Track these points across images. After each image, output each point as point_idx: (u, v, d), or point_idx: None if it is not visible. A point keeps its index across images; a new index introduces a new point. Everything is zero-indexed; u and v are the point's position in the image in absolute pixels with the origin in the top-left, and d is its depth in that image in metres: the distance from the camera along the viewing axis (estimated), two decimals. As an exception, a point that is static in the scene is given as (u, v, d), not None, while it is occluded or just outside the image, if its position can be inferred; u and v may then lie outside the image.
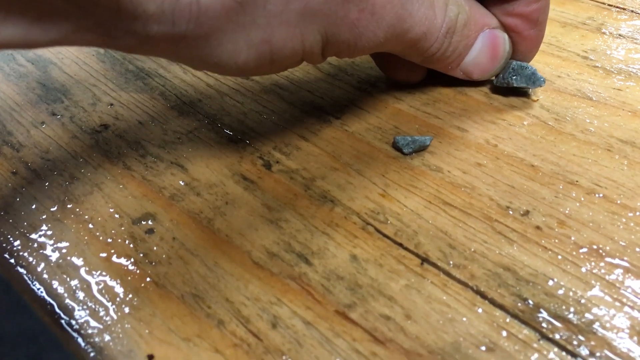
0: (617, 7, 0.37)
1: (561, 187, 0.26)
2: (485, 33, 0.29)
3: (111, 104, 0.33)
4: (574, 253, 0.23)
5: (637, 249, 0.23)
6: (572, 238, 0.24)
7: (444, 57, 0.29)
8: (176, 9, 0.21)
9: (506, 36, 0.30)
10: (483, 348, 0.20)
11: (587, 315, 0.21)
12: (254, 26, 0.23)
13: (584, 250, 0.23)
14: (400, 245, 0.24)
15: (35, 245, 0.25)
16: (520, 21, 0.29)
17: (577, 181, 0.26)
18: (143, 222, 0.26)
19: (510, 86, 0.30)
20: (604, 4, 0.38)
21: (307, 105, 0.32)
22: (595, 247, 0.23)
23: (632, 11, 0.37)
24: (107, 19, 0.20)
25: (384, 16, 0.25)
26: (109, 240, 0.25)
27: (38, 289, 0.23)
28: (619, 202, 0.25)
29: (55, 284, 0.24)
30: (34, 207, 0.27)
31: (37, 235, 0.26)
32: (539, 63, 0.33)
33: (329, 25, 0.24)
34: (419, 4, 0.26)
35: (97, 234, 0.26)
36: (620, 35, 0.35)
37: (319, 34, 0.24)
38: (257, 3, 0.22)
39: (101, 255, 0.25)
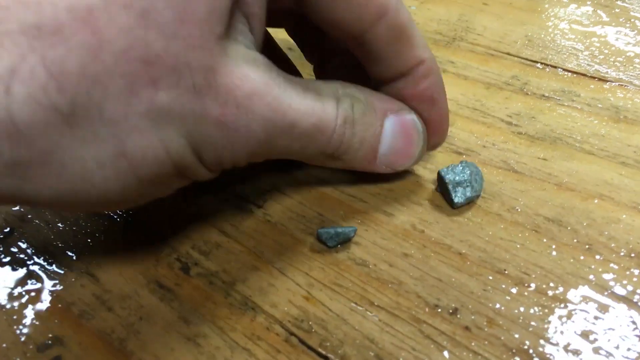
0: (541, 62, 0.37)
1: (490, 277, 0.25)
2: (390, 118, 0.27)
3: (17, 203, 0.31)
4: (504, 356, 0.22)
5: (570, 348, 0.22)
6: (502, 338, 0.23)
7: (353, 151, 0.26)
8: None
9: (415, 116, 0.27)
10: None
11: None
12: (98, 139, 0.19)
13: (514, 352, 0.22)
14: (326, 358, 0.23)
15: None
16: (415, 103, 0.27)
17: (505, 270, 0.25)
18: (48, 350, 0.24)
19: (460, 205, 0.28)
20: (527, 60, 0.37)
21: (227, 193, 0.31)
22: (525, 347, 0.22)
23: (554, 66, 0.37)
24: None
25: (253, 108, 0.22)
26: (11, 374, 0.23)
27: None
28: (549, 293, 0.24)
29: None
30: None
31: None
32: (464, 131, 0.32)
33: (189, 125, 0.21)
34: (300, 97, 0.23)
35: (-1, 364, 0.23)
36: (543, 95, 0.34)
37: (183, 137, 0.21)
38: (90, 112, 0.19)
39: (1, 393, 0.22)
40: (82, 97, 0.19)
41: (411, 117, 0.27)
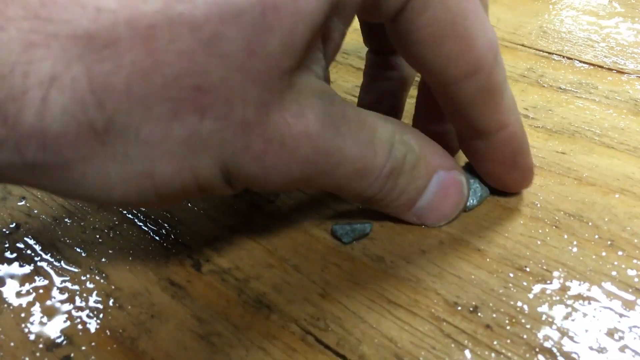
0: (557, 54, 0.36)
1: (510, 274, 0.24)
2: (439, 175, 0.25)
3: (23, 198, 0.30)
4: (527, 355, 0.22)
5: (595, 346, 0.22)
6: (525, 337, 0.22)
7: (390, 199, 0.24)
8: (19, 136, 0.17)
9: (464, 179, 0.26)
10: None
11: None
12: (128, 159, 0.18)
13: (537, 350, 0.22)
14: (344, 357, 0.22)
15: None
16: (493, 165, 0.26)
17: (526, 267, 0.24)
18: (58, 349, 0.23)
19: (472, 207, 0.27)
20: (542, 51, 0.37)
21: (238, 188, 0.30)
22: (549, 346, 0.22)
23: (570, 58, 0.36)
24: None
25: (299, 150, 0.20)
26: (20, 374, 0.22)
27: None
28: (572, 291, 0.23)
29: None
30: None
31: (-63, 373, 0.23)
32: (480, 124, 0.32)
33: (227, 156, 0.20)
34: (353, 139, 0.22)
35: (7, 363, 0.23)
36: (560, 88, 0.34)
37: (217, 166, 0.20)
38: (126, 132, 0.18)
39: (10, 394, 0.22)
40: (121, 117, 0.17)
41: (460, 179, 0.26)
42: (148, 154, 0.18)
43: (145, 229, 0.28)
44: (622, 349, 0.22)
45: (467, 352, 0.22)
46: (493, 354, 0.22)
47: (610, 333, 0.22)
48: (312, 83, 0.20)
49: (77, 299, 0.25)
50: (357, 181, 0.23)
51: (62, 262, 0.27)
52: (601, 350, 0.22)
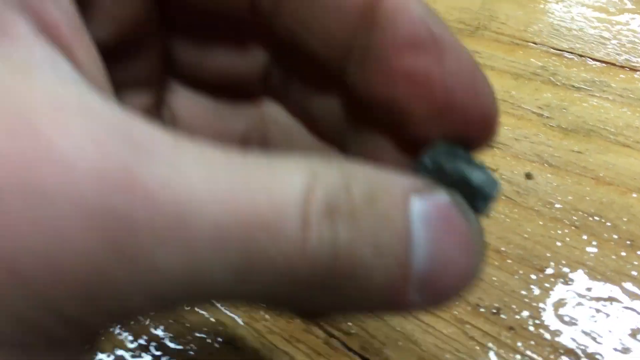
0: (569, 51, 0.36)
1: (532, 276, 0.24)
2: (417, 206, 0.13)
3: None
4: (552, 357, 0.22)
5: (618, 347, 0.22)
6: (548, 338, 0.22)
7: (364, 270, 0.12)
8: None
9: (447, 196, 0.13)
10: None
11: None
12: None
13: (561, 352, 0.22)
14: (368, 361, 0.22)
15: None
16: None
17: (546, 268, 0.25)
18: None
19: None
20: (554, 49, 0.37)
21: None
22: (573, 347, 0.22)
23: (582, 56, 0.36)
24: None
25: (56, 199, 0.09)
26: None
27: None
28: (594, 292, 0.24)
29: None
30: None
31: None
32: (495, 124, 0.32)
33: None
34: (209, 167, 0.11)
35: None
36: (573, 86, 0.34)
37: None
38: None
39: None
40: None
41: (446, 198, 0.13)
42: None
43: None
44: (646, 350, 0.22)
45: (491, 354, 0.22)
46: (518, 356, 0.22)
47: (634, 334, 0.22)
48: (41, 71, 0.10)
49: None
50: (268, 248, 0.11)
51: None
52: (625, 351, 0.22)
